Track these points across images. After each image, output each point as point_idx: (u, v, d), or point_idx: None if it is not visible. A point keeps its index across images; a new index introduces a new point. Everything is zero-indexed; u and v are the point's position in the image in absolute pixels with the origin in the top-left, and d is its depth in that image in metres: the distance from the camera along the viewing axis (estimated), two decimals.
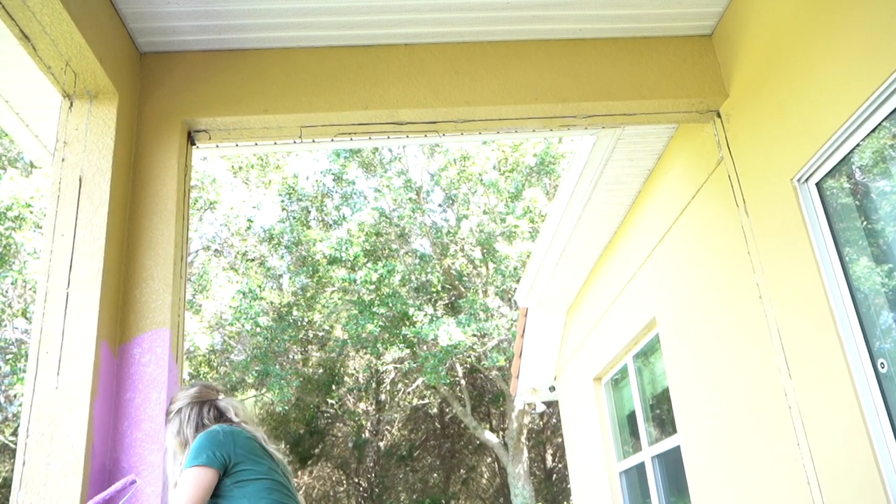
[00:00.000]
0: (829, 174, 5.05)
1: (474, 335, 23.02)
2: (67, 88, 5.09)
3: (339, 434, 33.05)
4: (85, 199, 4.92)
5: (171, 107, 5.69)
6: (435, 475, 34.29)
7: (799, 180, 5.25)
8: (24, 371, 19.95)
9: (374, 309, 23.92)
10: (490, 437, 27.43)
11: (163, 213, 5.28)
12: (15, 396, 21.81)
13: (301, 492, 31.28)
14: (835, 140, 4.81)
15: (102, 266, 4.77)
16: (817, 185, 5.17)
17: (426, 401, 32.12)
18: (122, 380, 4.82)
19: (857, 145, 4.76)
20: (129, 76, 5.53)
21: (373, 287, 23.65)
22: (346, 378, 30.44)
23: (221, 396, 4.37)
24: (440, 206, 27.30)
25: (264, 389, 26.39)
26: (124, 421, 4.73)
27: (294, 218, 26.47)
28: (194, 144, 5.88)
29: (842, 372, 4.85)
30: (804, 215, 5.19)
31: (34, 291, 20.40)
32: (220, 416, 4.27)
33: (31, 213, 19.57)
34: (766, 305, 5.76)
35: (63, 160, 5.02)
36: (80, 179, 4.96)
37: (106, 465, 4.60)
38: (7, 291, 21.06)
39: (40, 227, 19.73)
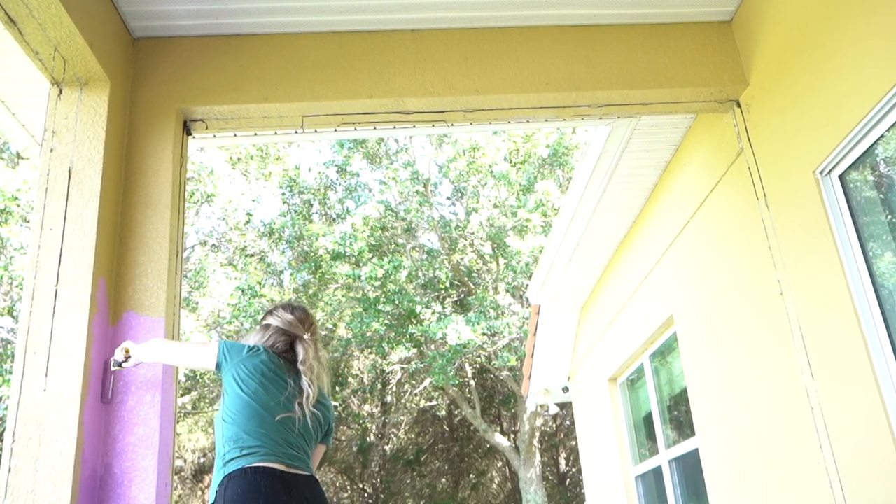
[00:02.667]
0: (853, 166, 5.05)
1: (484, 334, 22.99)
2: (56, 75, 5.10)
3: (343, 438, 33.06)
4: (75, 191, 4.92)
5: (165, 95, 5.69)
6: (443, 480, 34.31)
7: (821, 172, 5.25)
8: (11, 372, 19.97)
9: (380, 307, 23.90)
10: (501, 441, 27.44)
11: (157, 206, 5.28)
12: (0, 399, 21.86)
13: None
14: (859, 131, 4.81)
15: (93, 262, 4.78)
16: (840, 177, 5.17)
17: (434, 403, 32.11)
18: (113, 382, 4.83)
19: (882, 136, 4.76)
20: (121, 62, 5.54)
21: (378, 284, 23.64)
22: (350, 379, 30.43)
23: (307, 336, 4.71)
24: (448, 199, 27.32)
25: None
26: (116, 425, 4.73)
27: (295, 211, 26.48)
28: (190, 134, 5.89)
29: (866, 371, 4.84)
30: (827, 209, 5.18)
31: (21, 289, 20.41)
32: (291, 356, 4.64)
33: (18, 206, 19.56)
34: (788, 302, 5.75)
35: (51, 150, 5.03)
36: (69, 171, 4.97)
37: (97, 471, 4.61)
38: None
39: (27, 222, 19.73)
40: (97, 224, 4.86)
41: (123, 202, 5.27)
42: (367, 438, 33.03)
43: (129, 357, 4.59)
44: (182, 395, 26.11)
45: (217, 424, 4.27)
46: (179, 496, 29.98)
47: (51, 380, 4.52)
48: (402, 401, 31.57)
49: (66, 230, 4.83)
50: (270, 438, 4.16)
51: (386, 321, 24.13)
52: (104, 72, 5.15)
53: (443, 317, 23.87)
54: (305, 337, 4.69)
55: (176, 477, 28.64)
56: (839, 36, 4.92)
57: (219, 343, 4.40)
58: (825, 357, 5.31)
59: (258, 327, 4.77)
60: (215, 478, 4.11)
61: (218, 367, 4.34)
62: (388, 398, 32.05)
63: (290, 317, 4.71)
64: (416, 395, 31.03)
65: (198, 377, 25.47)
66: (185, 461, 29.97)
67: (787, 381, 5.91)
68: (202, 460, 30.16)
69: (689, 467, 8.51)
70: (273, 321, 4.71)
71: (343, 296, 25.34)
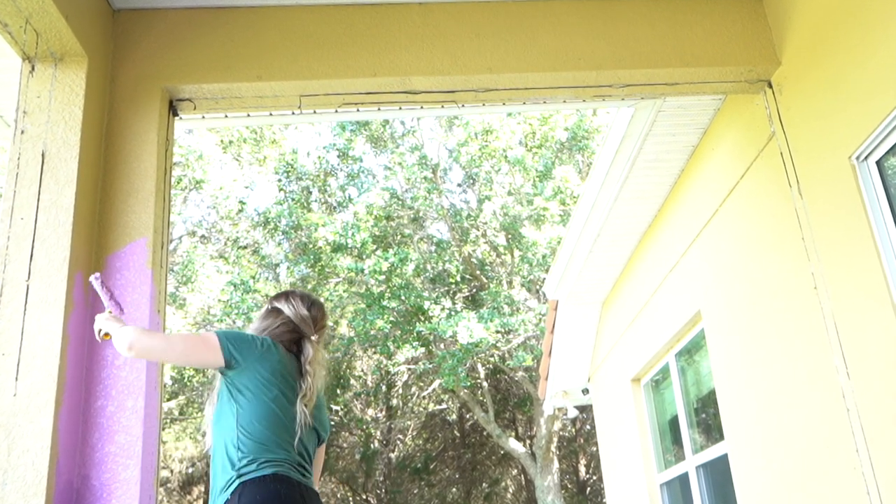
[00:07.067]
0: (891, 151, 5.05)
1: (498, 332, 22.98)
2: (28, 50, 5.08)
3: (345, 444, 33.08)
4: (48, 177, 4.92)
5: (149, 72, 5.69)
6: (454, 490, 34.32)
7: (857, 158, 5.25)
8: None
9: (385, 302, 23.89)
10: (516, 447, 27.46)
11: (140, 193, 5.28)
12: None
13: None
14: None
15: (69, 255, 4.77)
16: (878, 163, 5.17)
17: (443, 406, 32.14)
18: (91, 385, 4.82)
19: None
20: (100, 36, 5.53)
21: (383, 278, 23.64)
22: (352, 381, 30.45)
23: (315, 336, 4.55)
24: (459, 185, 27.32)
25: None
26: (95, 432, 4.72)
27: (293, 199, 26.46)
28: (177, 115, 5.88)
29: None
30: (863, 197, 5.19)
31: None
32: (298, 351, 4.47)
33: None
34: (822, 297, 5.76)
35: (23, 132, 5.03)
36: (42, 155, 4.96)
37: (73, 483, 4.60)
38: None
39: None
40: (73, 213, 4.86)
41: (102, 189, 5.27)
42: (371, 445, 33.03)
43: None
44: (168, 400, 26.14)
45: (224, 426, 4.09)
46: None
47: (21, 384, 4.50)
48: (409, 404, 31.61)
49: (38, 220, 4.81)
50: (288, 450, 4.07)
51: (391, 318, 24.13)
52: (81, 46, 5.13)
53: (453, 313, 23.84)
54: (313, 338, 4.51)
55: (161, 489, 28.68)
56: (877, 12, 4.92)
57: (217, 335, 4.15)
58: (862, 355, 5.31)
59: (265, 309, 4.62)
60: (219, 485, 3.99)
61: (228, 364, 4.11)
62: (394, 401, 32.08)
63: (305, 312, 4.53)
64: (424, 398, 31.05)
65: (185, 380, 25.47)
66: (171, 471, 29.94)
67: (821, 380, 5.92)
68: (190, 470, 30.15)
69: (718, 474, 8.52)
70: (286, 309, 4.52)
71: (345, 291, 25.34)
